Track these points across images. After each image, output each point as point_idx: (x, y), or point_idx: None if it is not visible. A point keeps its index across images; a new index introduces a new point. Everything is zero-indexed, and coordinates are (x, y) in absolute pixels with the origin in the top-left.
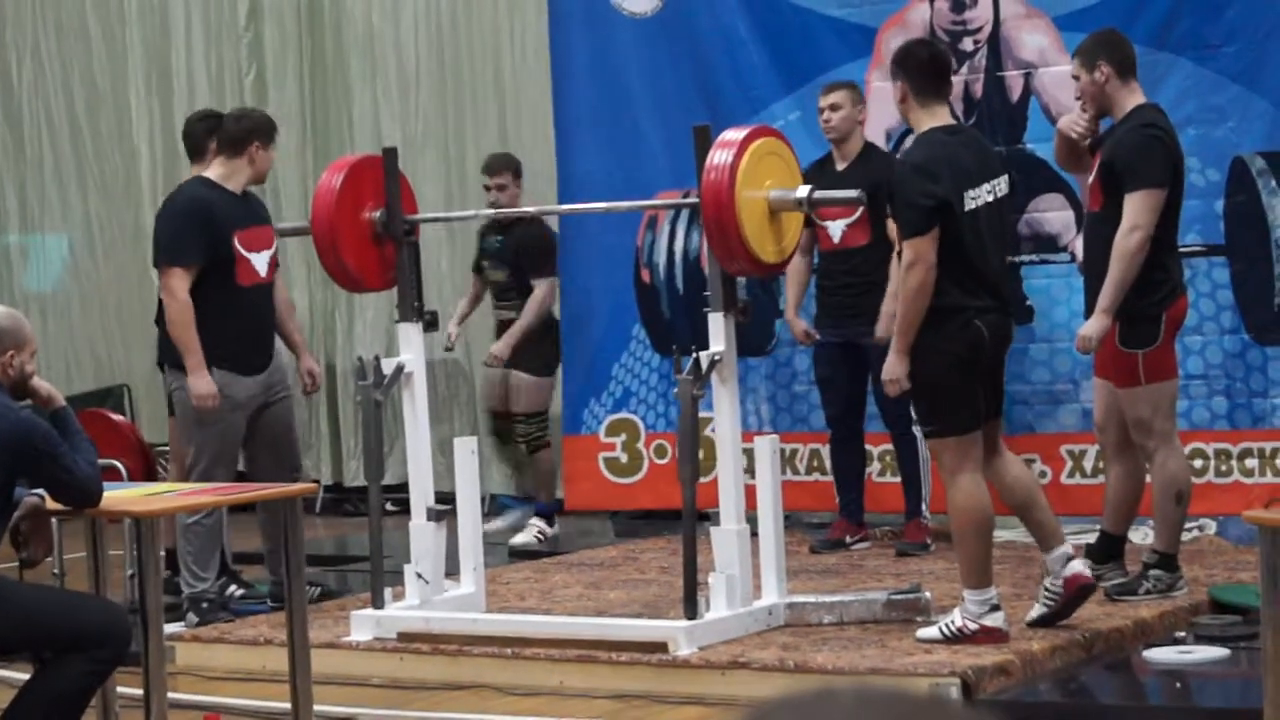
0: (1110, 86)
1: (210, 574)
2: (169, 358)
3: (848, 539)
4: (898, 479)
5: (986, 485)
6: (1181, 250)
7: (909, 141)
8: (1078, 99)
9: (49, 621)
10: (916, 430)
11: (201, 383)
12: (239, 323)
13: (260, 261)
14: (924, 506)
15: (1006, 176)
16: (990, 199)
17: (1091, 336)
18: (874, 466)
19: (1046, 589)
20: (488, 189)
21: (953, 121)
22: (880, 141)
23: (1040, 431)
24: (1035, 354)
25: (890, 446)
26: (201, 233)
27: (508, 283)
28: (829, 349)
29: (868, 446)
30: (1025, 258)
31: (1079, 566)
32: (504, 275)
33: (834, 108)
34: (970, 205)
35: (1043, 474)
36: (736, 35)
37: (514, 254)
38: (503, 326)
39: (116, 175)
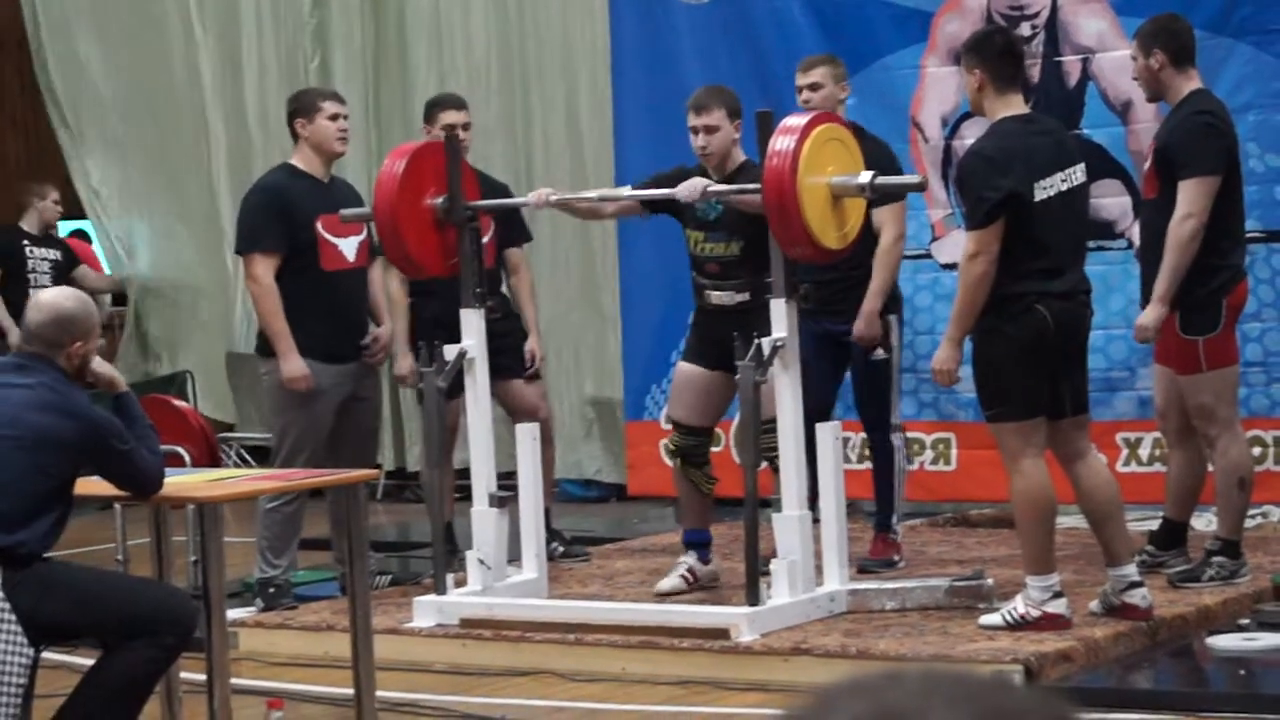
0: (1165, 74)
1: (284, 561)
2: (263, 346)
3: None
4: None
5: (1050, 473)
6: None
7: (964, 128)
8: (1135, 79)
9: (114, 606)
10: (895, 439)
11: (292, 365)
12: (325, 309)
13: (348, 247)
14: (894, 520)
15: (1083, 164)
16: (1065, 187)
17: (1149, 326)
18: (927, 455)
19: (1107, 594)
20: (695, 131)
21: (1027, 110)
22: (936, 129)
23: (1096, 419)
24: (1091, 341)
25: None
26: (280, 219)
27: (738, 257)
28: (805, 339)
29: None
30: None
31: (1138, 598)
32: (732, 248)
33: (814, 87)
34: (1042, 195)
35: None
36: (792, 21)
37: (743, 219)
38: (720, 312)
39: (188, 162)
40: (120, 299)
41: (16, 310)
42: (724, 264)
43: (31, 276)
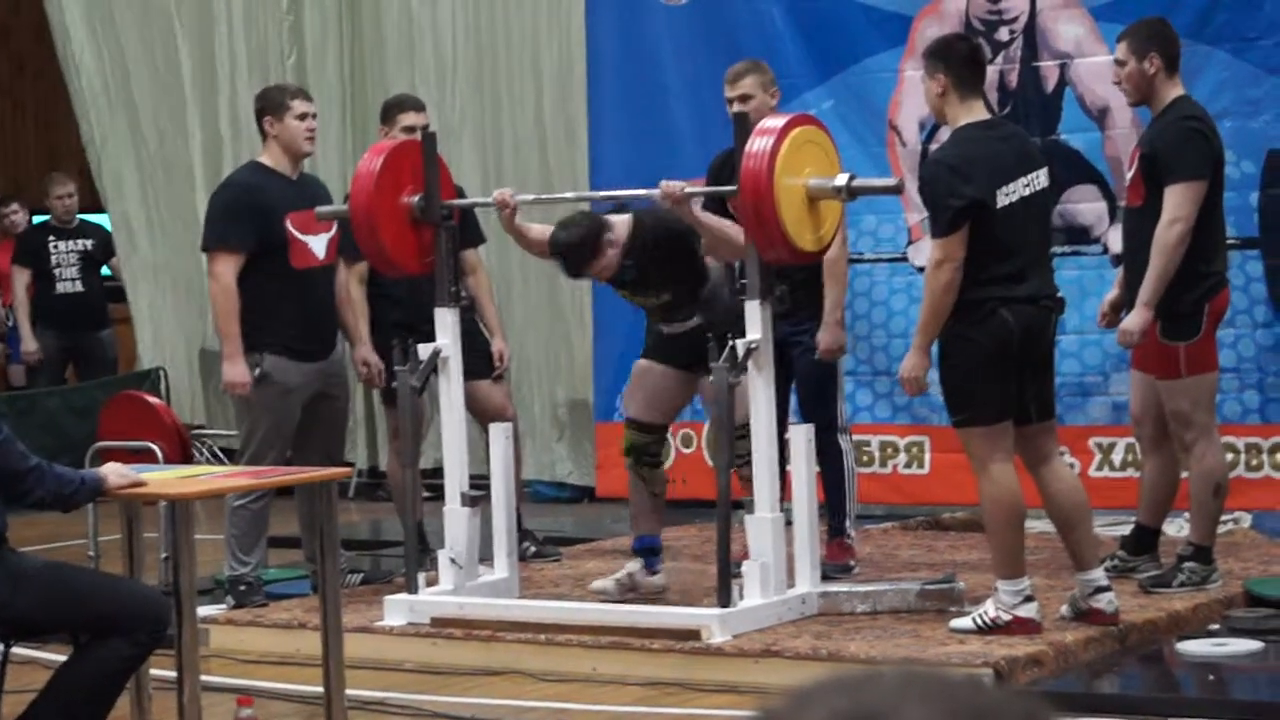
0: (1158, 79)
1: (253, 558)
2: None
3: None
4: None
5: (1020, 478)
6: None
7: (942, 132)
8: (1116, 83)
9: (86, 603)
10: (843, 440)
11: (235, 370)
12: (294, 307)
13: (317, 245)
14: (848, 524)
15: (1046, 169)
16: (1028, 192)
17: (1134, 331)
18: (901, 458)
19: (1075, 599)
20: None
21: (988, 116)
22: (913, 133)
23: (1069, 424)
24: (1065, 346)
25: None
26: (248, 217)
27: (672, 301)
28: None
29: (893, 436)
30: (1057, 249)
31: (1104, 603)
32: (663, 297)
33: (744, 99)
34: (1004, 202)
35: (1070, 466)
36: (771, 23)
37: (655, 276)
38: (674, 335)
39: (164, 158)
40: (119, 294)
41: (44, 304)
42: (664, 308)
43: (56, 271)
